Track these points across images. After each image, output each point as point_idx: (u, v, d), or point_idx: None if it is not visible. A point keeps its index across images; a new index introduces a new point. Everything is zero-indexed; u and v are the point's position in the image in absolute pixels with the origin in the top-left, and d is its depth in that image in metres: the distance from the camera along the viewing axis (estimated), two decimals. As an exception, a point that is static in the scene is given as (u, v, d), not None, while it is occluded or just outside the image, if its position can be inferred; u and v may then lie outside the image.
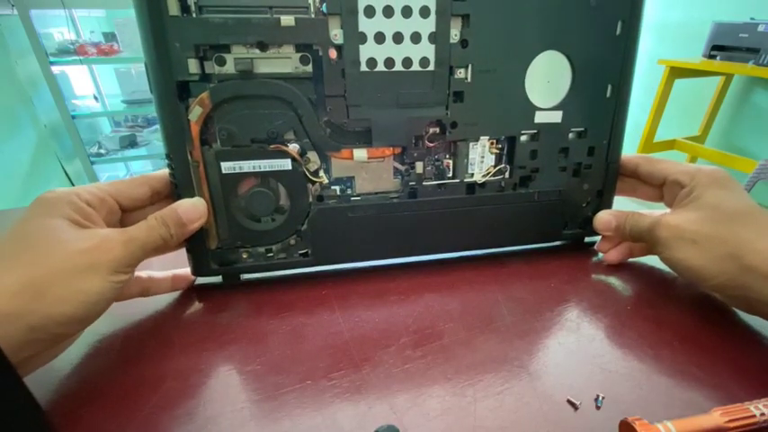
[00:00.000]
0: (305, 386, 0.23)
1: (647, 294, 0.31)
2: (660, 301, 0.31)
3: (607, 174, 0.34)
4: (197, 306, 0.30)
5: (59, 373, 0.24)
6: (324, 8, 0.25)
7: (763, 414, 0.20)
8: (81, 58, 1.66)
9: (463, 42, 0.28)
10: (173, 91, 0.26)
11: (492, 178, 0.32)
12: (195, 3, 0.24)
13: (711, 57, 1.59)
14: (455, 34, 0.28)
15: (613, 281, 0.33)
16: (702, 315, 0.29)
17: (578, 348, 0.26)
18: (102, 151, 1.89)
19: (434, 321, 0.28)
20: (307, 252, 0.31)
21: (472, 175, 0.32)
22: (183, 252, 0.30)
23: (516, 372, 0.24)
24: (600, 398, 0.23)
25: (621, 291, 0.32)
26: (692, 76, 1.67)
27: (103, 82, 2.06)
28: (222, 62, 0.26)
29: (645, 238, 0.30)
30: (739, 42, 1.49)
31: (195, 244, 0.29)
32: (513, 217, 0.34)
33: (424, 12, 0.27)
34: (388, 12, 0.26)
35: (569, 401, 0.22)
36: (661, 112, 1.73)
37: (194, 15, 0.25)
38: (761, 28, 1.42)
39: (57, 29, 1.83)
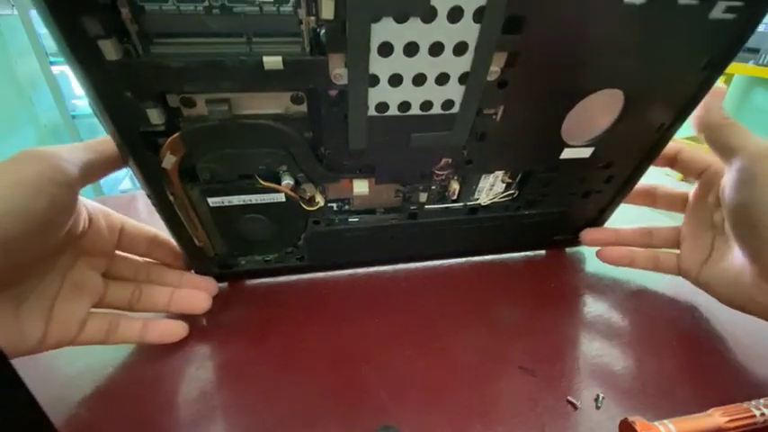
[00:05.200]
0: (305, 386, 0.23)
1: (647, 294, 0.31)
2: (660, 301, 0.31)
3: (616, 196, 0.32)
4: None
5: (59, 374, 0.24)
6: (322, 36, 0.18)
7: (763, 414, 0.20)
8: (81, 58, 1.66)
9: (501, 83, 0.22)
10: (136, 142, 0.21)
11: (498, 200, 0.31)
12: (137, 33, 0.17)
13: (711, 57, 1.59)
14: (494, 71, 0.21)
15: (613, 282, 0.33)
16: (703, 315, 0.29)
17: (578, 348, 0.26)
18: (102, 151, 1.89)
19: (434, 322, 0.28)
20: (302, 257, 0.31)
21: (477, 199, 0.30)
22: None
23: (516, 372, 0.24)
24: (600, 398, 0.23)
25: (621, 291, 0.32)
26: (692, 76, 1.66)
27: (103, 82, 2.05)
28: (191, 104, 0.21)
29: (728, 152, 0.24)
30: (739, 42, 1.49)
31: (194, 252, 0.28)
32: (511, 231, 0.34)
33: (460, 49, 0.20)
34: (411, 50, 0.19)
35: (569, 401, 0.22)
36: (661, 112, 1.73)
37: (141, 54, 0.18)
38: (761, 28, 1.42)
39: (57, 29, 1.82)
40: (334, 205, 0.28)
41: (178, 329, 0.26)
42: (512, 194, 0.30)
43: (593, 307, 0.30)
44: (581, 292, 0.32)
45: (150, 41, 0.18)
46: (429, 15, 0.18)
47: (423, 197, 0.29)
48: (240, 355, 0.26)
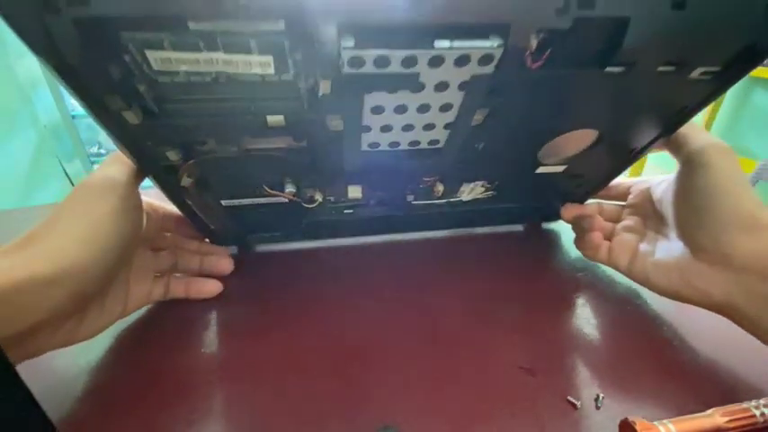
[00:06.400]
0: (305, 386, 0.23)
1: (647, 294, 0.31)
2: (660, 302, 0.30)
3: (589, 193, 0.35)
4: (195, 304, 0.30)
5: (59, 374, 0.24)
6: (320, 98, 0.20)
7: (763, 414, 0.20)
8: (81, 57, 1.66)
9: (485, 125, 0.24)
10: (158, 170, 0.24)
11: (478, 197, 0.33)
12: (153, 98, 0.19)
13: (711, 57, 1.59)
14: (477, 119, 0.23)
15: (613, 281, 0.33)
16: (703, 315, 0.29)
17: (578, 348, 0.26)
18: (103, 151, 1.89)
19: (434, 320, 0.28)
20: (305, 234, 0.35)
21: (460, 197, 0.33)
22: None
23: (516, 372, 0.24)
24: (600, 398, 0.23)
25: (621, 290, 0.32)
26: (692, 76, 1.66)
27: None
28: (203, 143, 0.23)
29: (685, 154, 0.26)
30: (739, 42, 1.49)
31: (209, 233, 0.32)
32: (490, 215, 0.37)
33: (446, 107, 0.21)
34: (401, 109, 0.21)
35: (569, 401, 0.22)
36: (661, 112, 1.73)
37: (159, 117, 0.20)
38: (761, 28, 1.42)
39: (57, 29, 1.82)
40: (332, 197, 0.31)
41: (213, 287, 0.30)
42: (490, 194, 0.33)
43: (593, 306, 0.30)
44: (581, 291, 0.32)
45: (164, 101, 0.20)
46: (418, 88, 0.19)
47: (410, 198, 0.32)
48: (240, 355, 0.26)
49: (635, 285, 0.32)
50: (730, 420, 0.19)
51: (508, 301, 0.30)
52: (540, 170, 0.30)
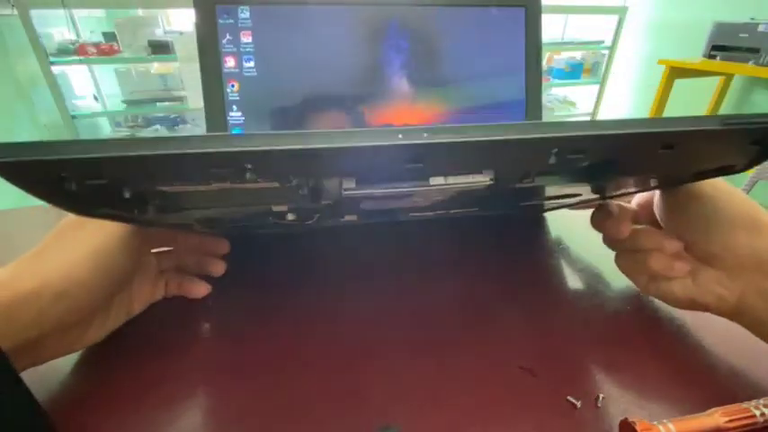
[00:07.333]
0: (306, 387, 0.23)
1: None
2: (660, 302, 0.30)
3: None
4: (194, 305, 0.30)
5: (59, 373, 0.24)
6: (323, 196, 0.22)
7: (763, 414, 0.20)
8: (81, 58, 1.66)
9: (489, 186, 0.24)
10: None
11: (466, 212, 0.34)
12: (163, 204, 0.21)
13: (711, 57, 1.60)
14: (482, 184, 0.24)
15: (613, 280, 0.33)
16: (703, 315, 0.29)
17: (578, 348, 0.26)
18: (102, 151, 1.89)
19: (433, 318, 0.28)
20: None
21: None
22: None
23: (516, 372, 0.24)
24: (600, 398, 0.23)
25: (621, 289, 0.32)
26: (692, 77, 1.67)
27: (103, 82, 2.06)
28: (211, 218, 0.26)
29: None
30: (739, 42, 1.50)
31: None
32: (477, 219, 0.39)
33: (437, 198, 0.23)
34: (396, 199, 0.22)
35: (569, 401, 0.22)
36: (661, 112, 1.73)
37: (168, 213, 0.23)
38: (761, 28, 1.42)
39: (57, 29, 1.83)
40: (330, 216, 0.31)
41: (201, 289, 0.31)
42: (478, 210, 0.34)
43: (593, 306, 0.30)
44: (580, 291, 0.32)
45: (172, 206, 0.21)
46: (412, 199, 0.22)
47: (402, 216, 0.34)
48: (240, 356, 0.26)
49: (634, 287, 0.32)
50: (730, 420, 0.19)
51: (508, 301, 0.30)
52: (524, 203, 0.32)
